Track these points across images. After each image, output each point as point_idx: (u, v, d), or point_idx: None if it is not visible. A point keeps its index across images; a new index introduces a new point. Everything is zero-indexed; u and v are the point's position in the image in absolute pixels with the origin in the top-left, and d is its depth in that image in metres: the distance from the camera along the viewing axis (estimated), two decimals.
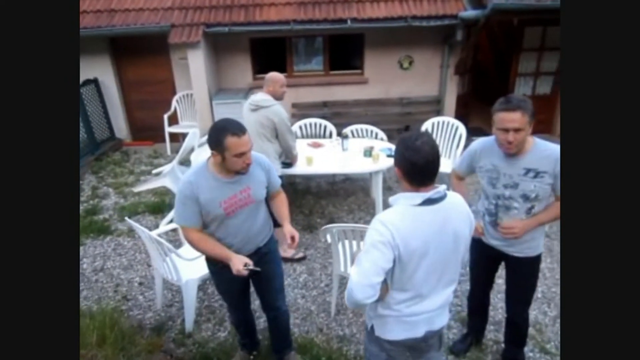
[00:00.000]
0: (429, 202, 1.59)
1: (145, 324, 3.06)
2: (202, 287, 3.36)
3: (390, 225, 1.54)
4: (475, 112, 7.45)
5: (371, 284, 1.51)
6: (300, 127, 4.96)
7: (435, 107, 6.70)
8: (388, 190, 4.84)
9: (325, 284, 3.46)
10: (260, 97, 3.44)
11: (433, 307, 1.72)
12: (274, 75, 3.48)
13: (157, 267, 3.00)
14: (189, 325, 2.96)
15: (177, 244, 3.86)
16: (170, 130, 6.50)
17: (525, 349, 2.87)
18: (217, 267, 2.20)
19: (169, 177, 4.15)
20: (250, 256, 2.14)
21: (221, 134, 1.91)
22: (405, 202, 1.60)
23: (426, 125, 4.93)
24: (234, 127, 1.92)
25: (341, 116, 6.61)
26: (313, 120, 5.01)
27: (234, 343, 2.83)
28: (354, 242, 2.77)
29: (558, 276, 3.57)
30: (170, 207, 4.60)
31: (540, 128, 6.82)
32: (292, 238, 2.22)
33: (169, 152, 6.51)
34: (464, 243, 1.70)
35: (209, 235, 2.12)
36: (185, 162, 5.14)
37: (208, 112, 6.30)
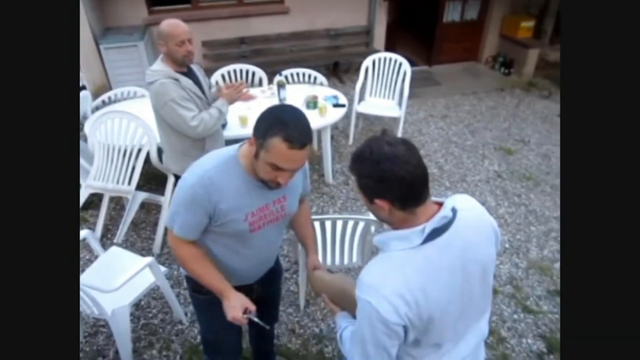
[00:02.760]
0: (434, 234, 1.08)
1: None
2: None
3: (393, 296, 1.03)
4: (401, 42, 6.97)
5: None
6: (223, 76, 4.08)
7: (364, 38, 6.08)
8: (336, 143, 4.31)
9: (286, 269, 2.96)
10: (154, 66, 2.32)
11: (469, 349, 1.29)
12: (165, 27, 2.26)
13: None
14: None
15: (88, 257, 3.02)
16: None
17: (509, 310, 2.73)
18: (211, 296, 1.50)
19: None
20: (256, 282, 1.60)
21: (273, 128, 1.23)
22: (401, 245, 1.09)
23: (366, 64, 4.36)
24: (294, 131, 1.23)
25: (262, 54, 5.72)
26: (237, 66, 4.14)
27: None
28: (317, 224, 2.23)
29: (519, 221, 3.47)
30: None
31: (467, 55, 6.62)
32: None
33: None
34: (492, 268, 1.24)
35: (203, 253, 1.46)
36: None
37: (95, 60, 5.01)
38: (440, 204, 1.14)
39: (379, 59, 4.37)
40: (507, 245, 3.23)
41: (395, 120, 4.32)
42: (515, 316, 2.70)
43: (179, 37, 2.24)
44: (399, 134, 4.32)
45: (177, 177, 2.76)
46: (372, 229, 2.27)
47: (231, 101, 2.57)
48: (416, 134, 4.71)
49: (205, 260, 1.46)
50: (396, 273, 1.06)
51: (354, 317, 1.26)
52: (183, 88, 2.29)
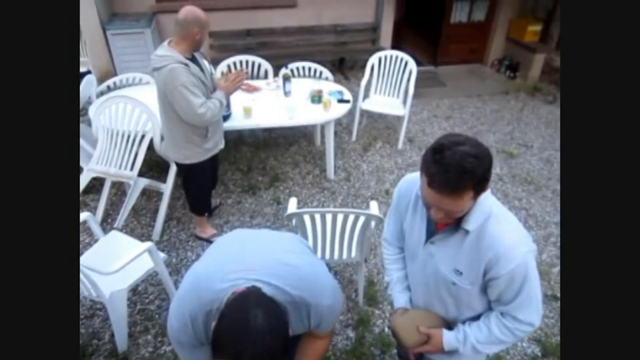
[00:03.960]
0: None
1: None
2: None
3: (530, 240, 1.23)
4: (408, 40, 6.96)
5: None
6: (229, 67, 4.07)
7: (371, 35, 6.06)
8: (339, 139, 4.29)
9: None
10: (160, 51, 2.31)
11: None
12: (202, 15, 2.28)
13: None
14: (121, 345, 2.31)
15: (88, 241, 3.03)
16: None
17: None
18: None
19: None
20: None
21: (223, 350, 1.02)
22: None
23: (372, 61, 4.35)
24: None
25: (268, 47, 5.70)
26: (243, 57, 4.13)
27: None
28: (317, 216, 2.23)
29: (558, 204, 3.46)
30: None
31: (473, 57, 6.61)
32: None
33: None
34: None
35: None
36: (81, 114, 4.07)
37: (102, 45, 5.00)
38: None
39: (385, 57, 4.36)
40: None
41: (399, 118, 4.32)
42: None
43: (209, 26, 2.39)
44: (402, 133, 4.32)
45: (177, 165, 2.77)
46: (372, 224, 2.27)
47: (229, 93, 2.57)
48: (419, 133, 4.70)
49: None
50: (517, 224, 1.25)
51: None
52: (192, 74, 2.29)
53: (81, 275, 2.02)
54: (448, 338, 1.38)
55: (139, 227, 3.23)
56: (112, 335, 2.35)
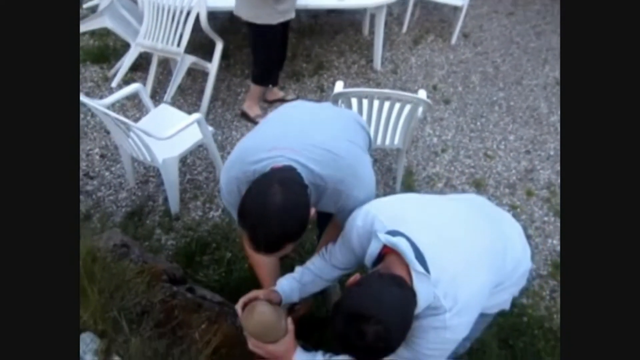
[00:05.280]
0: None
1: (120, 206, 2.60)
2: (181, 159, 2.82)
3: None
4: None
5: None
6: None
7: None
8: (388, 30, 4.04)
9: None
10: None
11: None
12: None
13: (121, 144, 2.38)
14: (174, 207, 2.52)
15: (138, 116, 3.11)
16: None
17: (540, 212, 2.76)
18: None
19: (107, 14, 3.14)
20: None
21: (239, 220, 1.13)
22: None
23: None
24: (256, 236, 1.10)
25: None
26: None
27: (230, 223, 2.47)
28: (376, 103, 2.20)
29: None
30: (116, 53, 3.66)
31: None
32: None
33: None
34: None
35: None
36: None
37: None
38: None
39: None
40: (551, 153, 3.15)
41: (456, 11, 3.99)
42: (546, 218, 2.72)
43: None
44: (458, 27, 4.02)
45: (248, 26, 2.71)
46: (420, 110, 2.23)
47: None
48: (476, 29, 4.35)
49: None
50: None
51: None
52: None
53: (136, 139, 2.14)
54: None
55: (185, 105, 3.31)
56: (166, 199, 2.56)
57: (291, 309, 1.46)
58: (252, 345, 1.22)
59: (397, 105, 2.25)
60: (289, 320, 1.24)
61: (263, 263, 1.47)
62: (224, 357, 1.37)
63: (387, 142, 2.42)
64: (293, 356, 1.22)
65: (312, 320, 1.76)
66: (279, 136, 1.29)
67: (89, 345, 1.29)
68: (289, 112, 1.46)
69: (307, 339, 1.52)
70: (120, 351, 1.31)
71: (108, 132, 2.98)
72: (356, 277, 1.05)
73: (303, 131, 1.30)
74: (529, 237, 2.58)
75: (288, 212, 1.06)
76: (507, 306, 1.43)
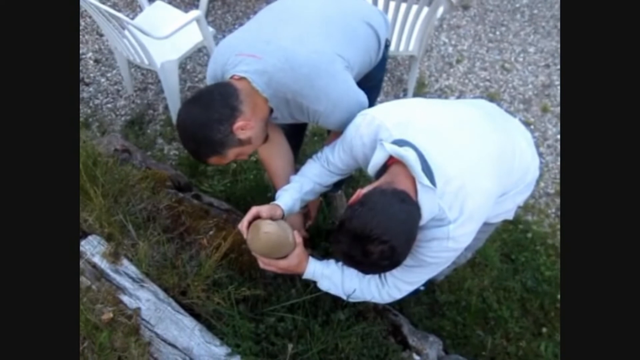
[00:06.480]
0: None
1: (119, 114, 2.49)
2: (180, 65, 2.66)
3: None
4: None
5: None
6: None
7: None
8: None
9: None
10: None
11: None
12: None
13: (116, 47, 2.21)
14: (175, 116, 2.42)
15: (132, 17, 2.87)
16: None
17: (554, 129, 2.66)
18: None
19: None
20: None
21: None
22: None
23: None
24: (184, 143, 1.23)
25: None
26: None
27: None
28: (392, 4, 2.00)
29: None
30: None
31: None
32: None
33: None
34: None
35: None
36: None
37: None
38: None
39: None
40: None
41: None
42: (559, 136, 2.64)
43: None
44: None
45: None
46: (440, 10, 2.03)
47: None
48: None
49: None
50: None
51: None
52: None
53: (131, 39, 1.98)
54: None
55: (182, 5, 3.05)
56: (166, 107, 2.45)
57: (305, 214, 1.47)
58: (263, 264, 1.20)
59: (415, 7, 2.05)
60: (296, 232, 1.22)
61: (274, 158, 1.43)
62: (233, 262, 1.38)
63: (402, 47, 2.24)
64: (306, 265, 1.21)
65: (319, 231, 1.77)
66: (253, 37, 1.23)
67: (96, 247, 1.28)
68: (276, 6, 1.32)
69: (314, 249, 1.52)
70: (129, 254, 1.31)
71: (101, 35, 2.78)
72: (359, 193, 1.00)
73: (276, 31, 1.20)
74: (540, 154, 2.52)
75: (201, 130, 1.12)
76: (510, 216, 1.41)
